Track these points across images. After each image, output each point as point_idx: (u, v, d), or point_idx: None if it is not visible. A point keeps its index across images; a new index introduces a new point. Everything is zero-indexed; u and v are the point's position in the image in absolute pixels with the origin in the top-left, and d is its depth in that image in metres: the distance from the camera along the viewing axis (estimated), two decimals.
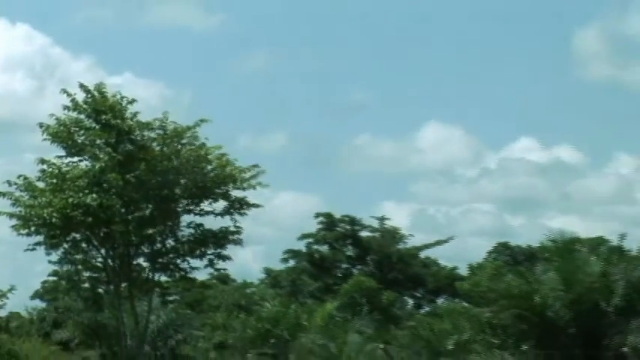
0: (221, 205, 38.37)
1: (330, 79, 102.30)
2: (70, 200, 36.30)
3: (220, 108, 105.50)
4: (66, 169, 37.27)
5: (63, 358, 58.61)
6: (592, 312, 40.21)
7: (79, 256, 39.78)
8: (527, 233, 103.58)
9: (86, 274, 42.01)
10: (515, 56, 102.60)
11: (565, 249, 43.48)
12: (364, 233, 77.18)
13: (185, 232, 38.83)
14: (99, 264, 39.83)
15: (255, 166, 38.29)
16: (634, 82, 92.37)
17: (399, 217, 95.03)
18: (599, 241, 46.97)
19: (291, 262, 77.48)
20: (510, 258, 56.77)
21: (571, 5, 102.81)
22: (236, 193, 38.23)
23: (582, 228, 68.00)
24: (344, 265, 75.36)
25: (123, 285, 39.23)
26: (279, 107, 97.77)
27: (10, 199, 37.35)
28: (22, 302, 73.63)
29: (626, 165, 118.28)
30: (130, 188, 36.53)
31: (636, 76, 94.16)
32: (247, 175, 37.91)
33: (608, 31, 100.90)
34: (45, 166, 37.43)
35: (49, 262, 41.21)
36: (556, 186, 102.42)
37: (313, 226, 79.35)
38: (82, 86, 37.35)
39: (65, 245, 38.68)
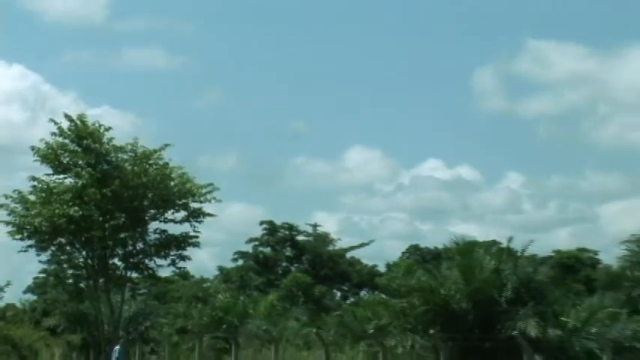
0: (182, 214, 38.96)
1: (272, 111, 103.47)
2: (57, 211, 37.00)
3: (181, 134, 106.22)
4: (53, 185, 37.82)
5: (50, 342, 59.22)
6: (487, 302, 41.20)
7: (64, 257, 40.27)
8: (434, 237, 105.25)
9: (70, 271, 42.30)
10: (425, 91, 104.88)
11: (465, 250, 44.50)
12: (300, 237, 77.98)
13: (152, 236, 39.45)
14: (80, 263, 40.21)
15: (210, 184, 39.06)
16: (522, 113, 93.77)
17: (329, 224, 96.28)
18: (492, 244, 47.97)
19: (240, 261, 78.19)
20: (420, 257, 57.64)
21: (471, 49, 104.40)
22: (194, 205, 38.82)
23: (479, 233, 69.08)
24: (283, 264, 76.06)
25: (100, 281, 39.82)
26: (230, 134, 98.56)
27: (7, 210, 38.03)
28: (16, 295, 74.03)
29: (515, 181, 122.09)
30: (106, 201, 37.23)
31: (524, 108, 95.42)
32: (204, 190, 38.62)
33: (501, 72, 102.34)
34: (36, 183, 37.98)
35: (39, 261, 41.74)
36: (458, 198, 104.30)
37: (258, 231, 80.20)
38: (66, 116, 37.99)
39: (52, 248, 39.22)
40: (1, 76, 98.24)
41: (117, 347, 50.77)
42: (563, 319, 42.08)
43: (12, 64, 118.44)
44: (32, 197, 38.01)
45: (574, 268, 61.97)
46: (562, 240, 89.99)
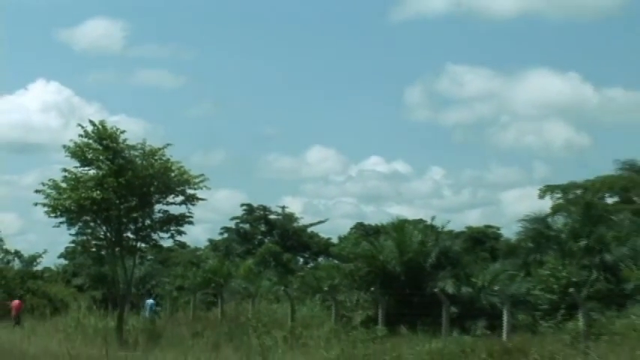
0: (180, 198, 38.83)
1: (250, 118, 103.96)
2: (83, 195, 37.01)
3: (180, 136, 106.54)
4: (80, 175, 37.68)
5: (78, 297, 59.66)
6: (415, 266, 41.84)
7: (88, 231, 40.18)
8: (375, 217, 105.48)
9: (93, 242, 42.23)
10: (369, 101, 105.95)
11: (398, 226, 45.23)
12: (272, 216, 78.37)
13: (157, 215, 39.33)
14: (101, 236, 40.03)
15: (202, 175, 39.13)
16: (443, 121, 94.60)
17: (294, 206, 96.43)
18: (419, 222, 48.49)
19: (225, 235, 78.59)
20: (364, 232, 58.07)
21: (404, 70, 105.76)
22: (190, 191, 38.79)
23: (409, 213, 69.51)
24: (259, 237, 76.29)
25: (117, 249, 39.76)
26: (218, 136, 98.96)
27: (44, 194, 38.21)
28: (52, 261, 74.15)
29: (437, 174, 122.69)
30: (121, 187, 37.25)
31: (444, 117, 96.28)
32: (197, 180, 38.77)
33: (427, 89, 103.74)
34: (66, 173, 37.81)
35: (69, 234, 41.65)
36: (393, 187, 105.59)
37: (239, 211, 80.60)
38: (91, 122, 37.87)
39: (79, 224, 39.14)
40: (42, 91, 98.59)
41: (150, 300, 51.23)
42: (473, 279, 42.73)
43: (50, 81, 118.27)
44: (63, 184, 37.93)
45: (482, 241, 62.69)
46: (473, 219, 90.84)
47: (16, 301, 52.09)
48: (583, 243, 45.89)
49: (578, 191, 57.07)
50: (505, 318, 32.49)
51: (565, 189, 58.71)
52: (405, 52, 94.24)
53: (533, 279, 43.91)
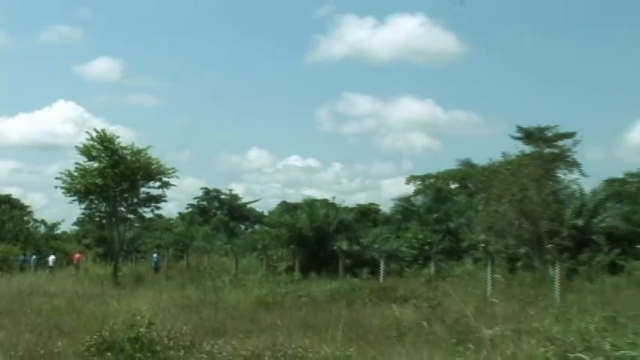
0: (158, 184, 38.60)
1: (208, 126, 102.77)
2: (89, 181, 36.60)
3: (159, 141, 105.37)
4: (87, 167, 37.52)
5: (85, 252, 58.85)
6: (321, 231, 41.78)
7: (93, 206, 39.57)
8: (295, 197, 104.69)
9: (97, 214, 41.95)
10: (292, 117, 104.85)
11: (310, 204, 45.25)
12: (222, 196, 77.84)
13: (141, 196, 39.12)
14: (102, 210, 39.85)
15: (174, 167, 38.73)
16: (343, 131, 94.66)
17: (238, 190, 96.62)
18: (325, 201, 48.21)
19: (190, 209, 77.84)
20: (286, 208, 58.10)
21: (316, 96, 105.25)
22: (165, 179, 38.41)
23: (318, 195, 69.86)
24: (213, 211, 75.69)
25: (113, 219, 39.62)
26: (187, 141, 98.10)
27: (62, 180, 37.74)
28: (67, 227, 73.46)
29: (338, 167, 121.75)
30: (116, 176, 36.90)
31: (344, 129, 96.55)
32: (170, 171, 38.46)
33: (331, 109, 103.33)
34: (78, 166, 37.49)
35: (80, 208, 41.23)
36: (307, 176, 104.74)
37: (200, 192, 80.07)
38: (96, 130, 37.46)
39: (87, 201, 38.82)
40: (63, 108, 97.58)
41: (155, 254, 50.72)
42: (360, 240, 43.00)
43: (68, 101, 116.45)
44: (76, 173, 37.43)
45: (367, 214, 62.89)
46: (361, 199, 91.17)
47: (77, 254, 51.86)
48: (435, 215, 46.57)
49: (432, 180, 57.51)
50: (382, 266, 32.67)
51: (423, 178, 59.13)
52: (316, 84, 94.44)
53: (401, 240, 44.45)
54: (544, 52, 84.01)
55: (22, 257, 52.79)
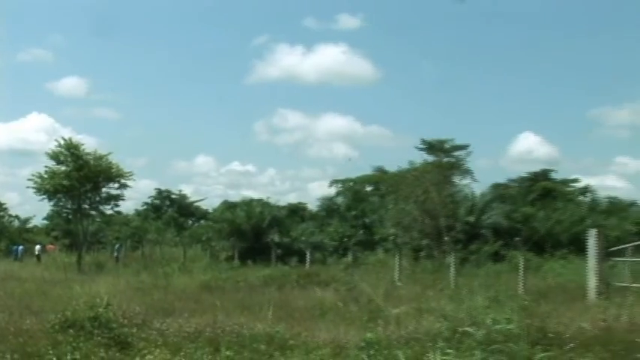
0: (117, 185, 38.10)
1: (161, 137, 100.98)
2: (58, 182, 36.00)
3: (119, 148, 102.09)
4: (55, 169, 36.81)
5: (54, 243, 57.56)
6: (257, 226, 41.73)
7: (61, 204, 38.90)
8: (235, 197, 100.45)
9: (64, 210, 41.11)
10: (233, 130, 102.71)
11: (247, 202, 45.29)
12: (173, 196, 76.34)
13: (103, 195, 38.50)
14: (68, 207, 39.17)
15: (131, 171, 38.32)
16: (278, 141, 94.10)
17: (187, 190, 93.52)
18: (260, 200, 48.07)
19: (145, 207, 76.09)
20: (228, 206, 57.37)
21: (254, 111, 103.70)
22: (123, 181, 37.93)
23: (255, 195, 69.27)
24: (165, 208, 74.22)
25: (78, 215, 38.90)
26: (143, 148, 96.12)
27: (34, 181, 36.90)
28: (38, 221, 71.63)
29: (272, 173, 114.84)
30: (81, 178, 36.34)
31: (278, 139, 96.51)
32: (127, 174, 37.98)
33: (267, 124, 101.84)
34: (47, 169, 36.95)
35: (50, 206, 40.18)
36: (246, 179, 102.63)
37: (154, 192, 78.35)
38: (63, 139, 36.88)
39: (55, 199, 38.11)
40: (35, 119, 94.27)
41: (117, 245, 49.54)
42: (290, 233, 43.02)
43: (40, 113, 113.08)
44: (45, 176, 36.64)
45: (296, 211, 62.85)
46: (292, 198, 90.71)
47: (51, 245, 51.43)
48: (353, 213, 46.79)
49: (351, 183, 57.70)
50: (308, 256, 32.82)
51: (343, 182, 59.21)
52: (254, 101, 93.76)
53: (324, 233, 44.54)
54: (443, 77, 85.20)
55: (15, 247, 51.65)
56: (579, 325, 9.63)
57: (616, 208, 46.50)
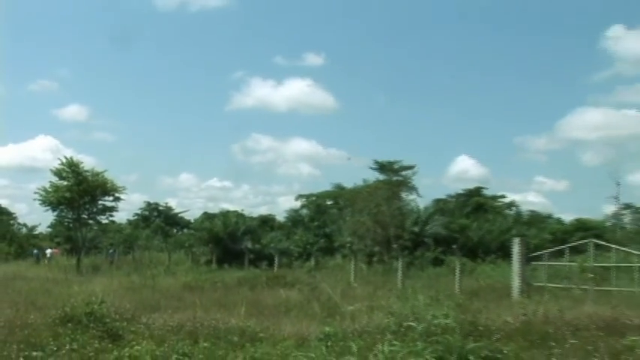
0: (112, 198, 37.52)
1: (150, 158, 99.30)
2: (60, 195, 35.45)
3: (114, 167, 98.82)
4: (58, 184, 36.22)
5: (57, 248, 56.47)
6: (233, 234, 41.27)
7: (63, 214, 38.24)
8: (214, 209, 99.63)
9: (66, 219, 40.31)
10: (213, 150, 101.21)
11: (225, 215, 44.78)
12: (160, 208, 74.94)
13: (99, 206, 37.91)
14: (69, 217, 38.51)
15: (124, 186, 37.81)
16: (250, 162, 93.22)
17: (172, 203, 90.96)
18: (235, 212, 47.84)
19: (136, 217, 74.67)
20: (208, 217, 56.49)
21: (231, 134, 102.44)
22: (117, 195, 37.40)
23: (231, 207, 68.15)
24: (153, 218, 72.82)
25: (77, 224, 38.29)
26: (135, 166, 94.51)
27: (40, 194, 36.26)
28: (43, 228, 69.92)
29: (246, 188, 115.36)
30: (80, 192, 35.83)
31: (251, 160, 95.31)
32: (121, 189, 37.44)
33: (243, 146, 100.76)
34: (51, 183, 36.26)
35: (53, 215, 39.44)
36: (223, 194, 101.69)
37: (143, 205, 76.78)
38: (65, 158, 36.42)
39: (58, 210, 37.46)
40: (43, 141, 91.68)
41: (111, 250, 48.55)
42: (261, 241, 42.70)
43: (47, 135, 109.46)
44: (50, 189, 36.02)
45: (267, 222, 62.40)
46: (263, 210, 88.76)
47: (55, 250, 50.98)
48: (315, 223, 46.64)
49: (314, 198, 57.65)
50: (276, 260, 32.61)
51: (307, 196, 59.03)
52: (232, 126, 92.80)
53: (290, 240, 44.34)
54: (393, 108, 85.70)
55: (35, 252, 50.59)
56: (505, 319, 9.77)
57: (536, 220, 47.78)
